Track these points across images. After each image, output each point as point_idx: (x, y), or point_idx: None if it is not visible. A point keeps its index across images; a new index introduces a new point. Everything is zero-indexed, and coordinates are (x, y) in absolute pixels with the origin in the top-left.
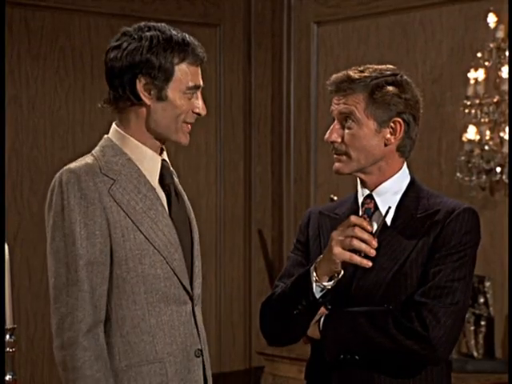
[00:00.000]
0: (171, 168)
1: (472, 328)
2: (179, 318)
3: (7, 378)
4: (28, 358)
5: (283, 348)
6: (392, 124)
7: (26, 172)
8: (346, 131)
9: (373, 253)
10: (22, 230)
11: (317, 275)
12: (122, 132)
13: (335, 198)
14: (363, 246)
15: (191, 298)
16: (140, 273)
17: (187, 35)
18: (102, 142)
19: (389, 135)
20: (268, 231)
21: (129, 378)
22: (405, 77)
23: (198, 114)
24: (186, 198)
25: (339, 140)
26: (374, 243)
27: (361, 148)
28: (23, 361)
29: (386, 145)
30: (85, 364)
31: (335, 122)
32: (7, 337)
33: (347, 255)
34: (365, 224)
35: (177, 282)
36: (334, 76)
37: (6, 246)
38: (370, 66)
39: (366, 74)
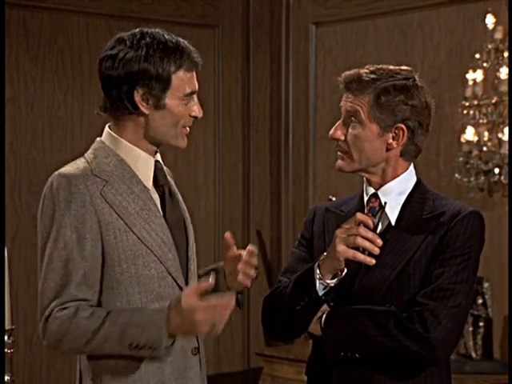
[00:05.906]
0: (165, 168)
1: (470, 329)
2: None
3: (5, 378)
4: (26, 359)
5: (282, 349)
6: (395, 130)
7: (25, 173)
8: (350, 131)
9: (376, 251)
10: (20, 231)
11: (320, 273)
12: (115, 135)
13: (333, 198)
14: (367, 244)
15: None
16: (134, 273)
17: (182, 40)
18: (94, 145)
19: (391, 140)
20: (266, 232)
21: (129, 372)
22: (417, 81)
23: (195, 117)
24: (180, 197)
25: (342, 138)
26: (379, 241)
27: (362, 150)
28: (21, 362)
29: (388, 149)
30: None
31: (341, 119)
32: (5, 338)
33: (350, 253)
34: (366, 219)
35: (171, 281)
36: (347, 73)
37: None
38: (385, 66)
39: (375, 77)
